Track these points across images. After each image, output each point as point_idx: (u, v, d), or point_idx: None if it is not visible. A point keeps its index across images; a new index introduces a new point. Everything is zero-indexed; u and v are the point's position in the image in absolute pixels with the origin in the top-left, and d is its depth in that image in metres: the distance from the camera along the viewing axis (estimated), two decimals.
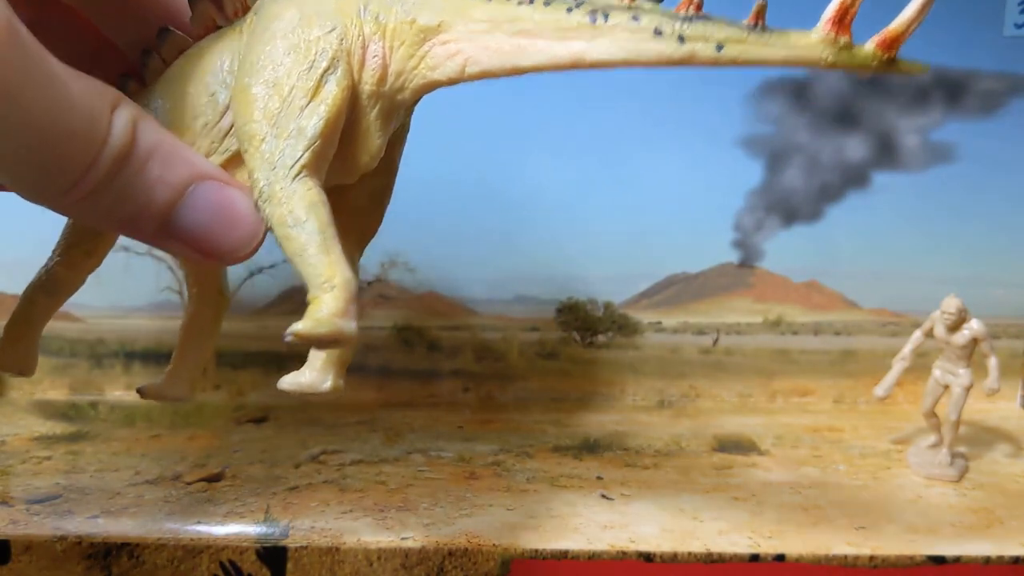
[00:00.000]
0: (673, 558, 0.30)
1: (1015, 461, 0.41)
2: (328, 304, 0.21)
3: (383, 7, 0.24)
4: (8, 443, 0.39)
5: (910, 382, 0.48)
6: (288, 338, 0.21)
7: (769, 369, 0.51)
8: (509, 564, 0.30)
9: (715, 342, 0.51)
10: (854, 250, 0.49)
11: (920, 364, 0.41)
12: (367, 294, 0.48)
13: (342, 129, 0.24)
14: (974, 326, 0.38)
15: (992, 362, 0.39)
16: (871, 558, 0.31)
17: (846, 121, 0.47)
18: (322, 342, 0.21)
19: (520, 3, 0.23)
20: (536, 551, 0.30)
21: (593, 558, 0.30)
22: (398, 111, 0.25)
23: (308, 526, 0.31)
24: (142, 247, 0.46)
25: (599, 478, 0.37)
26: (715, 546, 0.31)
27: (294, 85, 0.23)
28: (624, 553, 0.30)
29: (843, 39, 0.20)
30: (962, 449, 0.41)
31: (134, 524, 0.31)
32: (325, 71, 0.23)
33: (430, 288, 0.48)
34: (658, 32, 0.21)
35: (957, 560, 0.31)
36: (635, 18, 0.22)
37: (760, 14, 0.21)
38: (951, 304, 0.38)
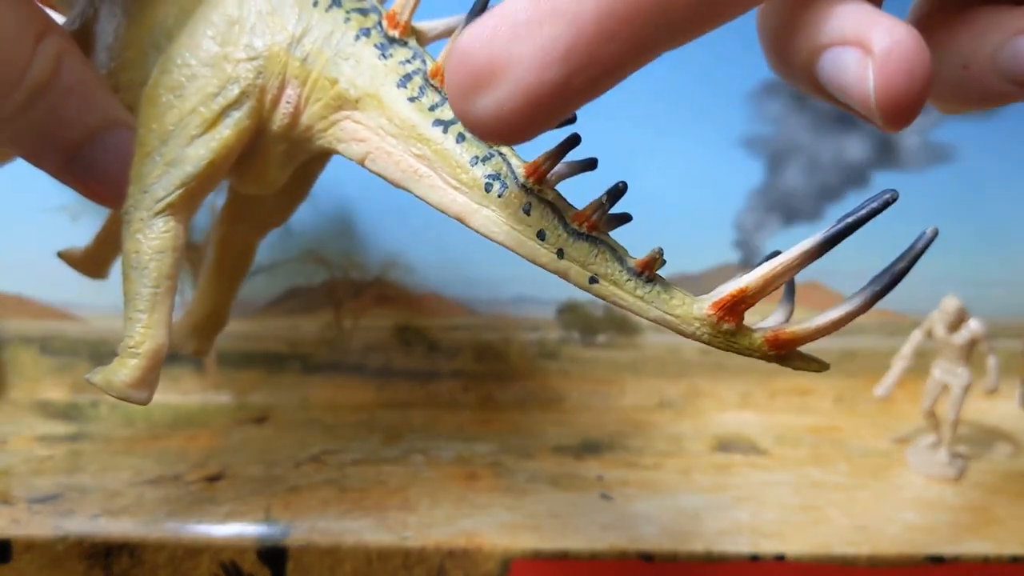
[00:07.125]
0: (673, 558, 0.30)
1: (1014, 461, 0.41)
2: (125, 372, 0.22)
3: (315, 48, 0.22)
4: (9, 443, 0.39)
5: (910, 382, 0.48)
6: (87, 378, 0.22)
7: (769, 369, 0.50)
8: (509, 564, 0.30)
9: None
10: (854, 250, 0.49)
11: (920, 364, 0.41)
12: (367, 294, 0.48)
13: (247, 152, 0.23)
14: (974, 326, 0.38)
15: (991, 362, 0.39)
16: (870, 558, 0.31)
17: (846, 121, 0.47)
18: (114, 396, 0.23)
19: (437, 123, 0.21)
20: (536, 551, 0.30)
21: (593, 558, 0.30)
22: (305, 153, 0.24)
23: (308, 526, 0.31)
24: None
25: (599, 478, 0.37)
26: (715, 546, 0.31)
27: (195, 108, 0.22)
28: (624, 553, 0.30)
29: (727, 325, 0.19)
30: (961, 448, 0.41)
31: (135, 524, 0.31)
32: (229, 105, 0.22)
33: (430, 288, 0.48)
34: (541, 236, 0.20)
35: (956, 559, 0.31)
36: (527, 209, 0.20)
37: (651, 265, 0.20)
38: (951, 304, 0.38)
